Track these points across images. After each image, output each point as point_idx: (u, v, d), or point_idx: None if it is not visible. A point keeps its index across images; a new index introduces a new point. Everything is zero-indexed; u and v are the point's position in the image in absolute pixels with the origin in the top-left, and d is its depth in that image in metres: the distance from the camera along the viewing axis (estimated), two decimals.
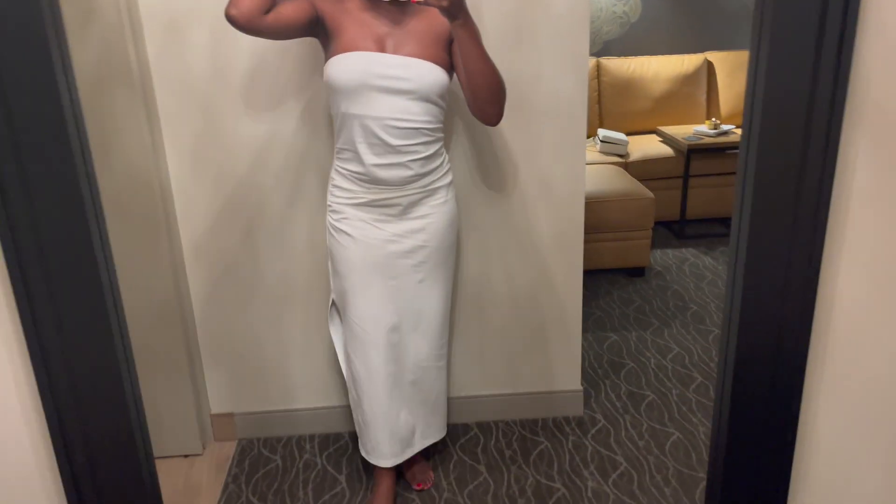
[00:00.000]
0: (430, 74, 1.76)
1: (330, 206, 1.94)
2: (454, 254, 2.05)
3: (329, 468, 2.29)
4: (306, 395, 2.44)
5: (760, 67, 0.81)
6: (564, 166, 2.25)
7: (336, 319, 2.07)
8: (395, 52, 1.76)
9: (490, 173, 2.24)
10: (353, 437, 2.42)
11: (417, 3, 1.61)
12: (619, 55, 4.87)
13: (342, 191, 1.88)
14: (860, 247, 0.92)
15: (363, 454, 2.07)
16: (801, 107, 0.81)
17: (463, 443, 2.40)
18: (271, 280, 2.29)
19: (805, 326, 0.92)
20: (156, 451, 2.34)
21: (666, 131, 4.42)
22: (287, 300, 2.32)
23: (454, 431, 2.45)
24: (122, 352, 0.96)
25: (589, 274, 3.66)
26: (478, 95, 1.76)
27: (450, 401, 2.46)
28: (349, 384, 2.04)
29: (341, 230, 1.91)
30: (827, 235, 0.88)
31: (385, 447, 2.01)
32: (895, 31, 0.82)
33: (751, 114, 0.84)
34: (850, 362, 0.99)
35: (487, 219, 2.29)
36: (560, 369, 2.48)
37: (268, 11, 1.69)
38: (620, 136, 4.29)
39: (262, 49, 2.05)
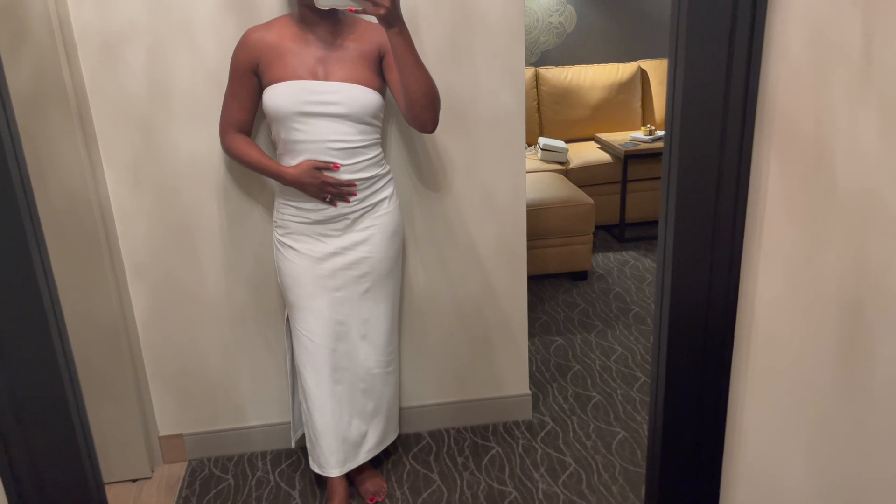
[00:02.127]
0: (363, 97, 1.83)
1: (276, 221, 2.00)
2: (399, 263, 2.11)
3: (282, 484, 2.28)
4: (257, 412, 2.42)
5: (676, 90, 0.87)
6: (506, 176, 2.31)
7: (288, 333, 2.11)
8: (327, 77, 1.83)
9: (433, 186, 2.28)
10: (306, 453, 2.42)
11: (355, 12, 1.64)
12: (556, 65, 4.99)
13: (289, 208, 1.95)
14: (775, 251, 0.99)
15: (315, 469, 2.09)
16: (715, 124, 0.87)
17: (415, 452, 2.42)
18: (217, 297, 2.28)
19: (728, 327, 0.98)
20: (102, 478, 2.30)
21: (604, 138, 4.54)
22: (234, 317, 2.31)
23: (406, 441, 2.47)
24: (67, 379, 0.96)
25: (533, 279, 3.74)
26: (414, 103, 1.80)
27: (401, 410, 2.48)
28: (300, 398, 2.07)
29: (287, 245, 1.97)
30: (745, 241, 0.95)
31: (335, 456, 2.04)
32: (798, 52, 0.90)
33: (670, 133, 0.90)
34: (771, 358, 1.06)
35: (432, 230, 2.33)
36: (508, 375, 2.53)
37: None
38: (560, 143, 4.39)
39: (200, 68, 2.05)
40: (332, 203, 1.88)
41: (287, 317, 2.09)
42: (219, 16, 2.01)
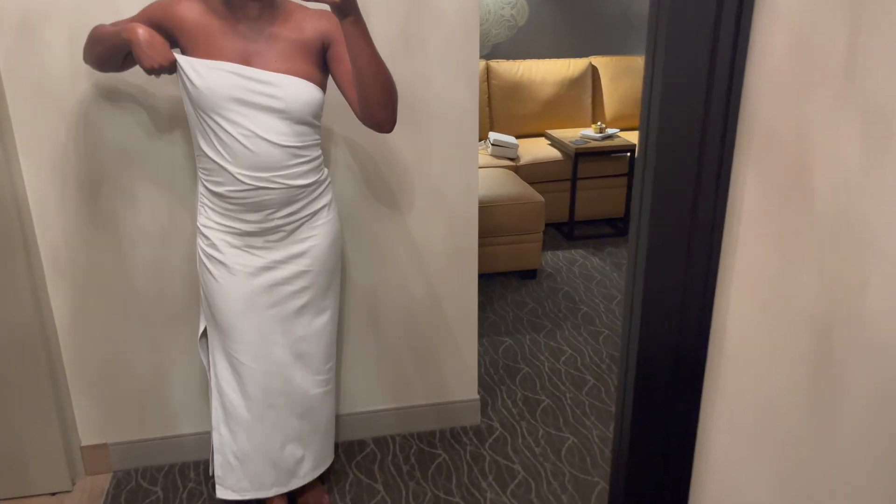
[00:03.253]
0: (305, 93, 1.64)
1: (200, 229, 1.76)
2: (339, 274, 1.95)
3: (216, 498, 2.15)
4: (189, 419, 2.28)
5: (654, 96, 0.80)
6: (457, 173, 2.22)
7: (206, 348, 1.91)
8: (264, 68, 1.62)
9: (380, 183, 2.17)
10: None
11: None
12: (507, 58, 4.92)
13: (215, 215, 1.72)
14: (750, 268, 0.93)
15: (232, 496, 1.90)
16: (694, 134, 0.80)
17: (359, 460, 2.32)
18: (147, 299, 2.13)
19: (701, 348, 0.92)
20: (19, 491, 2.13)
21: (554, 134, 4.50)
22: (164, 320, 2.16)
23: (349, 449, 2.37)
24: None
25: (482, 277, 3.67)
26: (370, 100, 1.63)
27: (345, 417, 2.38)
28: (216, 421, 1.88)
29: (213, 258, 1.75)
30: (721, 258, 0.89)
31: (266, 477, 1.90)
32: (780, 58, 0.83)
33: (646, 141, 0.83)
34: (741, 380, 1.00)
35: (379, 230, 2.22)
36: (456, 379, 2.45)
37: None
38: (511, 139, 4.33)
39: None
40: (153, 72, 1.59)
41: (205, 330, 1.89)
42: None
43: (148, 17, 1.65)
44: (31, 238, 1.99)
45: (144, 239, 2.07)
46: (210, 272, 1.76)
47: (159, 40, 1.56)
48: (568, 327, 3.22)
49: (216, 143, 1.64)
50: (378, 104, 1.64)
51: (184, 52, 1.65)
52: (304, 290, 1.81)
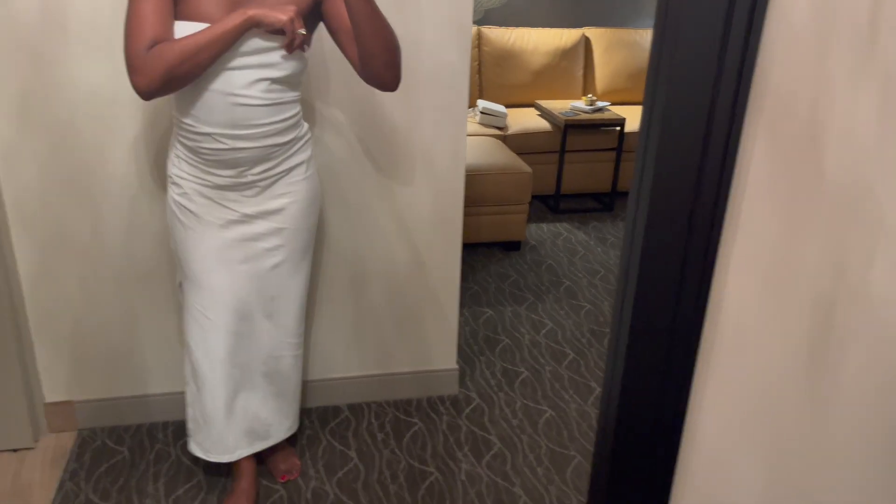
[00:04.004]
0: (293, 53, 1.57)
1: (170, 177, 1.69)
2: (314, 235, 1.88)
3: (184, 459, 2.10)
4: (159, 379, 2.22)
5: (664, 57, 0.74)
6: (445, 139, 2.15)
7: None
8: None
9: (366, 146, 2.10)
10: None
11: None
12: (499, 25, 4.81)
13: (187, 165, 1.65)
14: (752, 241, 0.88)
15: (199, 453, 1.86)
16: (704, 95, 0.75)
17: (333, 426, 2.28)
18: (118, 254, 2.05)
19: (696, 325, 0.88)
20: None
21: (544, 105, 4.42)
22: (137, 275, 2.08)
23: (323, 414, 2.32)
24: None
25: (466, 248, 3.62)
26: (373, 59, 1.55)
27: (320, 382, 2.33)
28: (188, 376, 1.83)
29: (184, 206, 1.68)
30: (723, 229, 0.84)
31: (230, 440, 1.84)
32: (800, 18, 0.77)
33: (652, 101, 0.77)
34: (736, 360, 0.96)
35: (363, 194, 2.15)
36: (436, 348, 2.41)
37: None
38: (500, 108, 4.25)
39: None
40: (288, 48, 1.52)
41: (179, 283, 1.83)
42: None
43: None
44: None
45: (115, 191, 1.98)
46: (181, 221, 1.69)
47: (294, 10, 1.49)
48: (550, 300, 3.18)
49: (192, 98, 1.56)
50: (383, 63, 1.56)
51: (176, 7, 1.53)
52: (278, 248, 1.75)
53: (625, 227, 0.88)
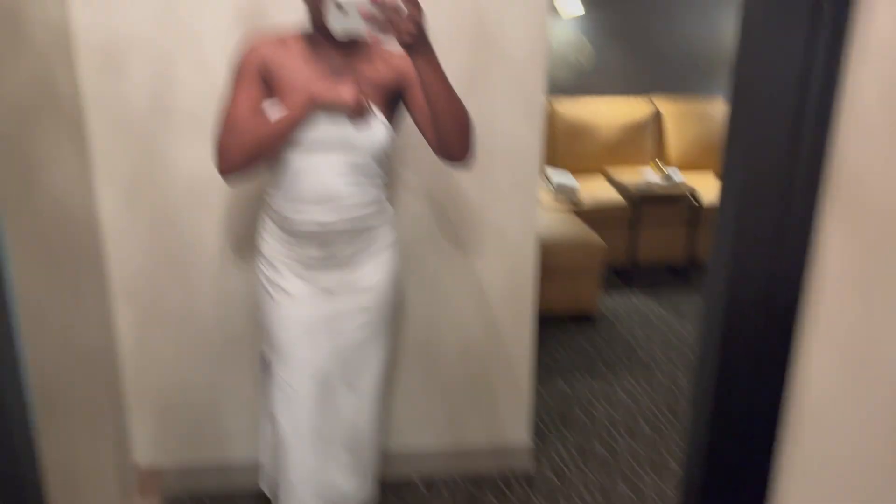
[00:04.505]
0: (377, 134, 1.67)
1: (262, 255, 1.80)
2: (395, 309, 1.94)
3: None
4: (244, 447, 2.29)
5: (737, 141, 0.77)
6: (518, 213, 2.20)
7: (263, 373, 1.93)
8: None
9: (440, 220, 2.18)
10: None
11: (377, 40, 1.47)
12: (569, 96, 4.92)
13: (276, 244, 1.76)
14: (833, 325, 0.88)
15: None
16: (779, 180, 0.77)
17: (407, 500, 2.28)
18: (208, 324, 2.16)
19: (777, 406, 0.87)
20: None
21: (616, 176, 4.45)
22: (225, 346, 2.19)
23: (397, 487, 2.34)
24: (17, 399, 0.85)
25: (538, 320, 3.61)
26: (447, 134, 1.62)
27: (393, 454, 2.35)
28: (270, 445, 1.88)
29: (273, 281, 1.77)
30: (803, 313, 0.84)
31: None
32: (872, 109, 0.80)
33: (727, 187, 0.80)
34: (819, 442, 0.94)
35: (437, 266, 2.22)
36: (509, 423, 2.40)
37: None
38: (571, 180, 4.30)
39: (206, 84, 1.96)
40: (355, 117, 1.62)
41: (261, 353, 1.91)
42: (230, 32, 1.93)
43: (250, 75, 1.65)
44: (104, 262, 2.05)
45: (211, 267, 2.11)
46: (271, 296, 1.78)
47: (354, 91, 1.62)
48: (625, 375, 3.13)
49: (283, 177, 1.68)
50: (456, 138, 1.64)
51: (269, 91, 1.67)
52: (362, 323, 1.81)
53: (703, 308, 0.89)
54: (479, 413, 2.38)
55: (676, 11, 5.01)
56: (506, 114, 2.10)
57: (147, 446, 2.25)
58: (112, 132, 1.98)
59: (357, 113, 1.62)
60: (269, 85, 1.67)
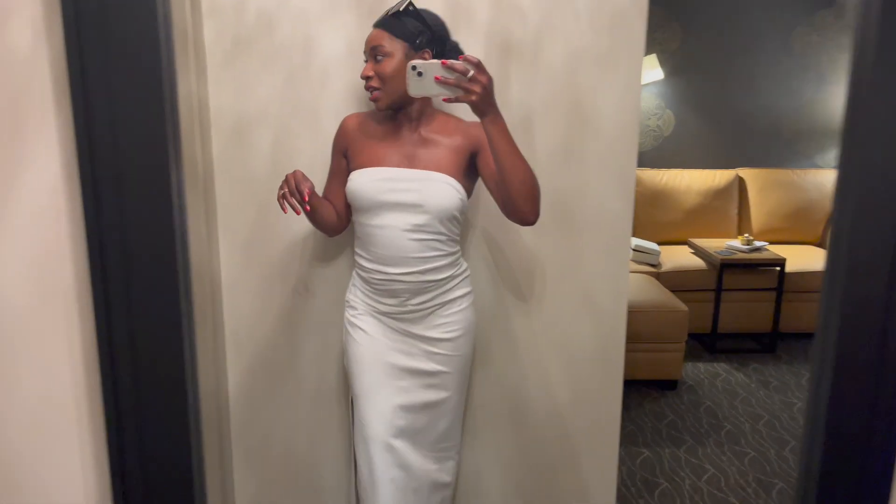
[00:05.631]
0: (443, 192, 1.80)
1: (347, 301, 1.98)
2: (469, 364, 2.04)
3: None
4: (336, 499, 2.38)
5: (844, 219, 0.83)
6: (607, 279, 2.26)
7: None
8: (411, 167, 1.83)
9: (530, 283, 2.26)
10: None
11: (448, 100, 1.61)
12: (652, 167, 4.98)
13: (360, 292, 1.93)
14: None
15: None
16: (889, 245, 0.82)
17: None
18: (309, 379, 2.29)
19: (887, 486, 0.90)
20: None
21: (698, 244, 4.45)
22: (323, 401, 2.31)
23: None
24: (196, 456, 0.96)
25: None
26: (513, 195, 1.72)
27: None
28: (356, 489, 1.97)
29: (356, 326, 1.93)
30: None
31: None
32: None
33: (835, 261, 0.86)
34: None
35: (525, 328, 2.29)
36: (594, 487, 2.41)
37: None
38: (653, 245, 4.32)
39: (320, 154, 2.13)
40: (281, 205, 1.77)
41: (351, 400, 2.01)
42: (344, 109, 2.10)
43: (335, 155, 1.98)
44: (220, 315, 2.22)
45: (314, 325, 2.25)
46: (353, 337, 1.93)
47: (298, 175, 1.79)
48: (710, 444, 3.08)
49: (361, 236, 1.88)
50: (523, 198, 1.74)
51: (349, 158, 1.92)
52: (436, 373, 1.91)
53: (809, 388, 0.93)
54: (565, 476, 2.39)
55: (758, 81, 5.05)
56: (598, 183, 2.19)
57: (247, 496, 2.36)
58: (234, 192, 2.17)
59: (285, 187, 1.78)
60: (350, 157, 1.92)
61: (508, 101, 2.11)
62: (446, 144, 1.85)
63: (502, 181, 1.72)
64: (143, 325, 0.94)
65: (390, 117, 1.90)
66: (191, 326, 0.96)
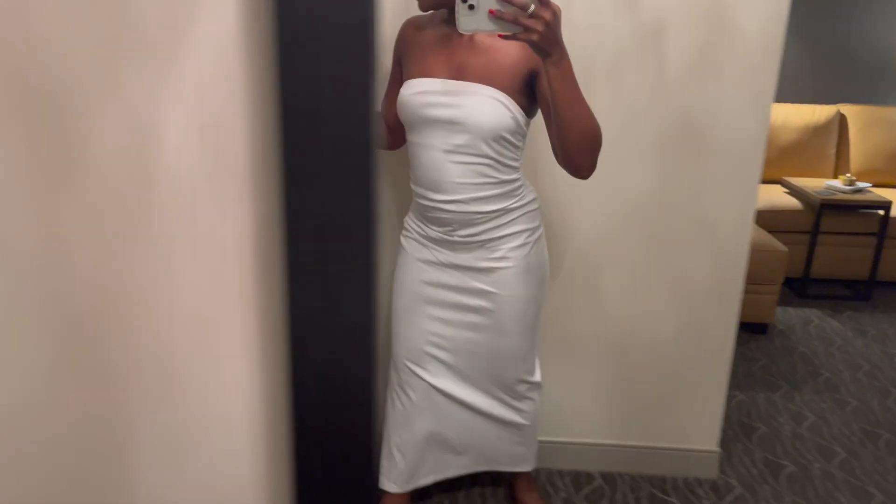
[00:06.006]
0: (490, 111, 1.54)
1: (404, 222, 1.85)
2: (535, 305, 1.81)
3: None
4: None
5: None
6: (732, 209, 2.09)
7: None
8: (461, 79, 1.57)
9: (647, 210, 2.09)
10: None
11: (504, 37, 1.37)
12: None
13: (414, 215, 1.79)
14: None
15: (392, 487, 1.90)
16: None
17: (587, 492, 2.23)
18: None
19: None
20: None
21: (794, 183, 4.19)
22: None
23: (577, 479, 2.29)
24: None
25: None
26: (568, 145, 1.48)
27: (574, 446, 2.30)
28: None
29: (403, 248, 1.81)
30: None
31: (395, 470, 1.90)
32: None
33: None
34: None
35: (638, 256, 2.14)
36: (697, 426, 2.29)
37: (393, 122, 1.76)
38: None
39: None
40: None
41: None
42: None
43: (393, 58, 1.77)
44: None
45: None
46: (399, 259, 1.83)
47: None
48: (807, 391, 2.93)
49: (409, 155, 1.70)
50: (577, 151, 1.49)
51: (402, 72, 1.71)
52: (481, 309, 1.76)
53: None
54: (667, 413, 2.28)
55: (866, 9, 4.64)
56: (733, 101, 1.99)
57: None
58: None
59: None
60: (404, 65, 1.70)
61: (638, 1, 1.91)
62: (504, 53, 1.55)
63: (559, 128, 1.48)
64: (330, 199, 0.82)
65: (446, 20, 1.61)
66: (377, 204, 0.83)
